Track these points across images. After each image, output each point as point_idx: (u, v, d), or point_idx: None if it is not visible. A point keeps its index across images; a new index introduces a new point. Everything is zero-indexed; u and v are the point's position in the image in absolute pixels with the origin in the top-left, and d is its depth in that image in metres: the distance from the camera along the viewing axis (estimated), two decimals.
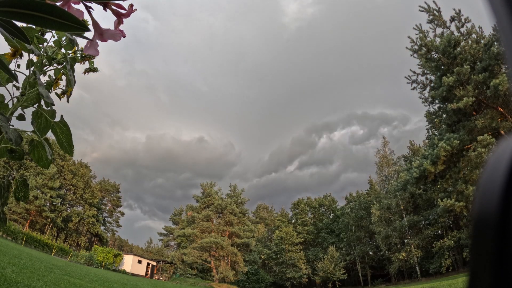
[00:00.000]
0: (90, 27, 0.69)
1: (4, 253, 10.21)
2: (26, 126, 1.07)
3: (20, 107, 1.05)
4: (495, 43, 19.48)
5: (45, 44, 1.09)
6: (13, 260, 8.71)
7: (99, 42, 0.74)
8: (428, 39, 22.64)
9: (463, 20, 21.40)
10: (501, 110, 20.74)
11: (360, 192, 58.59)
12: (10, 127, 0.97)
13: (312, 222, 62.21)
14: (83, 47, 1.19)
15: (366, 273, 50.16)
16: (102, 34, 0.72)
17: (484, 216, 0.29)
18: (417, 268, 39.93)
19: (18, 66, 1.02)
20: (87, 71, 1.22)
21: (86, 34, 0.68)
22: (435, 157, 21.17)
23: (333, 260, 47.85)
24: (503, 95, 18.97)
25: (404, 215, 42.76)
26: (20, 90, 1.03)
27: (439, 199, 22.48)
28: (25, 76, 1.04)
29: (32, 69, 1.04)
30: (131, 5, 0.73)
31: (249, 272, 49.26)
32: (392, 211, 44.07)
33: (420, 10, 22.44)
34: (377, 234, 44.34)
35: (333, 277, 47.17)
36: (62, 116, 1.12)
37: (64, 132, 1.12)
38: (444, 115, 24.59)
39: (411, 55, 23.82)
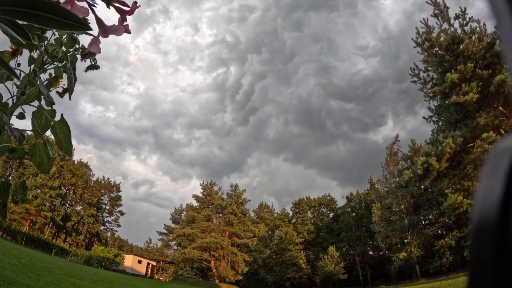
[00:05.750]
0: (92, 25, 0.68)
1: (4, 253, 10.20)
2: (26, 125, 1.06)
3: (20, 106, 1.03)
4: (497, 41, 19.53)
5: (46, 42, 1.08)
6: (13, 260, 8.69)
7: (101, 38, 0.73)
8: (434, 34, 22.72)
9: (467, 19, 21.44)
10: (502, 109, 20.74)
11: (361, 192, 58.67)
12: (11, 126, 0.96)
13: (312, 221, 62.13)
14: (84, 45, 1.18)
15: (366, 273, 50.12)
16: (106, 31, 0.70)
17: (485, 216, 0.29)
18: (417, 268, 39.89)
19: (18, 64, 1.01)
20: (89, 68, 1.21)
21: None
22: (440, 153, 21.08)
23: (333, 260, 47.79)
24: (506, 93, 18.98)
25: (404, 215, 42.71)
26: (20, 88, 1.02)
27: (449, 193, 22.26)
28: (24, 75, 1.02)
29: (32, 67, 1.02)
30: (135, 2, 0.71)
31: (249, 272, 49.21)
32: (393, 211, 44.02)
33: (427, 3, 22.51)
34: (377, 234, 44.30)
35: (333, 277, 47.15)
36: (62, 115, 1.10)
37: (64, 131, 1.10)
38: (445, 113, 24.56)
39: (414, 47, 23.92)
